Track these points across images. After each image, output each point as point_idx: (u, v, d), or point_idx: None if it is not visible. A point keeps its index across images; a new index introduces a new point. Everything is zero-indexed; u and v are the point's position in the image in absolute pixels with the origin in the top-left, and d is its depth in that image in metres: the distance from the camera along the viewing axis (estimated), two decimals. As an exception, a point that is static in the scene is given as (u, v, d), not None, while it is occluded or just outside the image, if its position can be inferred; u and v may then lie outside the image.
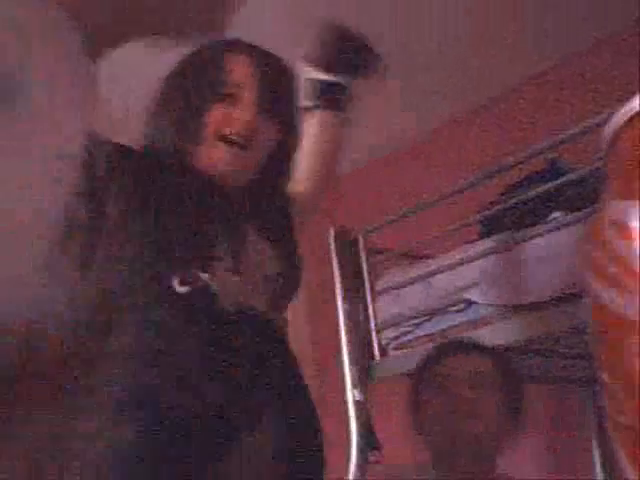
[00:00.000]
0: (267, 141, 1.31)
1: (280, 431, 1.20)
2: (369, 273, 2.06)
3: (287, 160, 1.39)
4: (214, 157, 1.27)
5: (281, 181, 1.40)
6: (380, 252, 2.16)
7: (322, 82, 1.57)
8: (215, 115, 1.26)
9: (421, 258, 2.17)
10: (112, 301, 1.19)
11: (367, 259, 2.07)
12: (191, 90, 1.28)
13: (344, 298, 2.05)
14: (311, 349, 3.68)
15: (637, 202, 0.95)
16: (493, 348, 1.68)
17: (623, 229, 0.95)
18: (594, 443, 2.44)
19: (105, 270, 1.19)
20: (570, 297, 1.61)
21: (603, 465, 2.41)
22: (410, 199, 2.28)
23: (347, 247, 2.08)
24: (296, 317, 3.85)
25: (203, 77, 1.29)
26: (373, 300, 2.04)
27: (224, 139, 1.26)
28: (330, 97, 1.60)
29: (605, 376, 0.99)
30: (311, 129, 1.57)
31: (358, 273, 2.07)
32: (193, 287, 1.18)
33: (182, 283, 1.17)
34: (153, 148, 1.30)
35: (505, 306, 1.80)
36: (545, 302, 1.70)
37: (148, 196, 1.22)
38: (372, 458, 1.96)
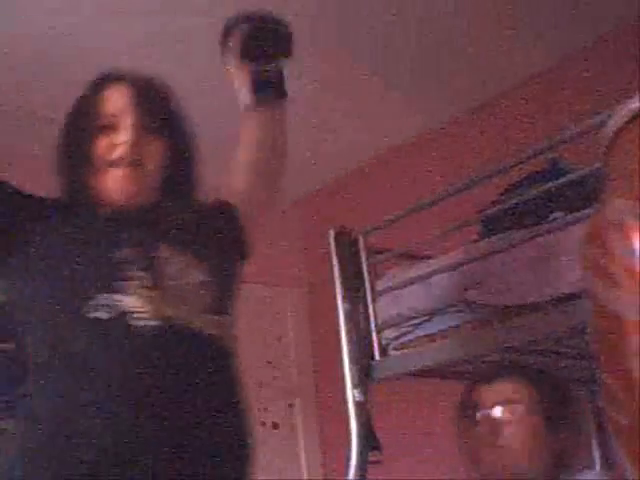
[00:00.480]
0: (160, 158, 1.40)
1: (200, 450, 1.23)
2: (369, 273, 2.05)
3: (185, 172, 1.48)
4: (110, 183, 1.35)
5: (187, 192, 1.48)
6: (380, 252, 2.15)
7: (253, 75, 1.60)
8: (100, 145, 1.36)
9: (421, 258, 2.17)
10: (39, 339, 1.27)
11: (367, 259, 2.06)
12: (73, 129, 1.41)
13: (344, 298, 2.05)
14: (311, 349, 3.68)
15: (637, 202, 0.95)
16: (534, 370, 1.61)
17: (623, 229, 0.95)
18: (594, 443, 2.44)
19: (30, 308, 1.29)
20: (570, 297, 1.61)
21: (603, 465, 2.41)
22: (410, 199, 2.28)
23: (347, 247, 2.08)
24: (296, 317, 3.85)
25: (81, 114, 1.42)
26: (373, 300, 2.03)
27: (113, 164, 1.35)
28: (268, 87, 1.62)
29: (605, 376, 0.99)
30: (251, 127, 1.63)
31: (358, 273, 2.06)
32: (109, 311, 1.23)
33: (97, 309, 1.23)
34: (62, 191, 1.40)
35: (505, 306, 1.79)
36: (545, 302, 1.69)
37: (59, 236, 1.32)
38: (372, 458, 1.96)
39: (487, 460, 1.55)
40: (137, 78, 1.43)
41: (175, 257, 1.33)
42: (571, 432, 1.57)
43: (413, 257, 2.23)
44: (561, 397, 1.61)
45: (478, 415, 1.58)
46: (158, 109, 1.42)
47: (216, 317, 1.37)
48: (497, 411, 1.55)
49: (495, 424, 1.55)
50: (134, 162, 1.35)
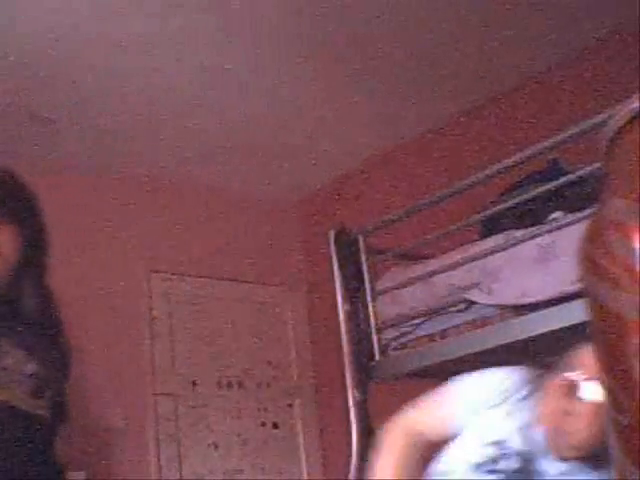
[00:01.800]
0: (14, 245, 1.52)
1: None
2: (369, 273, 2.05)
3: (37, 255, 1.57)
4: None
5: (38, 274, 1.58)
6: (380, 252, 2.15)
7: None
8: None
9: (421, 258, 2.17)
10: None
11: (367, 259, 2.06)
12: None
13: (344, 298, 2.05)
14: (311, 349, 3.68)
15: (637, 202, 0.95)
16: None
17: (623, 229, 0.95)
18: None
19: None
20: (570, 297, 1.61)
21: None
22: (410, 199, 2.28)
23: (347, 247, 2.08)
24: (296, 317, 3.85)
25: None
26: (373, 300, 2.04)
27: None
28: None
29: (605, 376, 0.99)
30: None
31: (358, 273, 2.06)
32: None
33: None
34: None
35: (505, 306, 1.79)
36: (545, 302, 1.69)
37: None
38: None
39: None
40: None
41: (14, 352, 1.50)
42: None
43: (413, 257, 2.23)
44: None
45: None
46: (9, 200, 1.54)
47: (42, 401, 1.53)
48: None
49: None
50: None
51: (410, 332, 2.02)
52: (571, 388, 1.46)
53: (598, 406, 1.39)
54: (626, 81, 2.29)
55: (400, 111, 3.09)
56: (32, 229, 1.57)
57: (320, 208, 3.67)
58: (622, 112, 1.01)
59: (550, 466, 1.51)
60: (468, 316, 1.88)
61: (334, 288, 2.07)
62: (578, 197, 1.74)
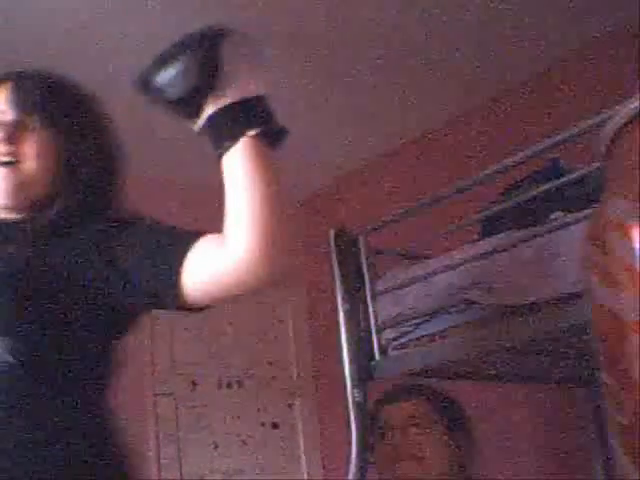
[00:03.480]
0: (48, 151, 1.35)
1: None
2: (369, 273, 2.05)
3: (84, 165, 1.41)
4: None
5: (83, 193, 1.42)
6: (380, 252, 2.15)
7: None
8: None
9: (421, 258, 2.17)
10: None
11: (367, 259, 2.06)
12: None
13: (344, 298, 2.05)
14: (311, 349, 3.68)
15: (637, 202, 0.95)
16: (433, 389, 1.74)
17: (623, 229, 0.95)
18: (594, 443, 2.44)
19: None
20: (570, 297, 1.61)
21: (603, 465, 2.41)
22: (410, 199, 2.28)
23: (347, 247, 2.08)
24: (296, 317, 3.85)
25: None
26: (373, 300, 2.03)
27: None
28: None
29: (605, 376, 0.99)
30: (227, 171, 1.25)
31: (358, 273, 2.06)
32: None
33: None
34: None
35: (505, 306, 1.79)
36: (545, 302, 1.69)
37: None
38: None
39: (392, 473, 1.65)
40: (25, 73, 1.39)
41: None
42: (469, 445, 1.68)
43: (413, 257, 2.23)
44: (458, 412, 1.72)
45: (390, 432, 1.66)
46: (46, 103, 1.37)
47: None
48: (401, 424, 1.65)
49: (407, 437, 1.66)
50: (9, 159, 1.31)
51: (410, 332, 2.01)
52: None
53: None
54: (626, 81, 2.29)
55: (400, 111, 3.09)
56: (75, 136, 1.39)
57: (320, 208, 3.67)
58: (622, 112, 1.01)
59: None
60: (468, 316, 1.88)
61: (334, 288, 2.06)
62: (578, 197, 1.74)
